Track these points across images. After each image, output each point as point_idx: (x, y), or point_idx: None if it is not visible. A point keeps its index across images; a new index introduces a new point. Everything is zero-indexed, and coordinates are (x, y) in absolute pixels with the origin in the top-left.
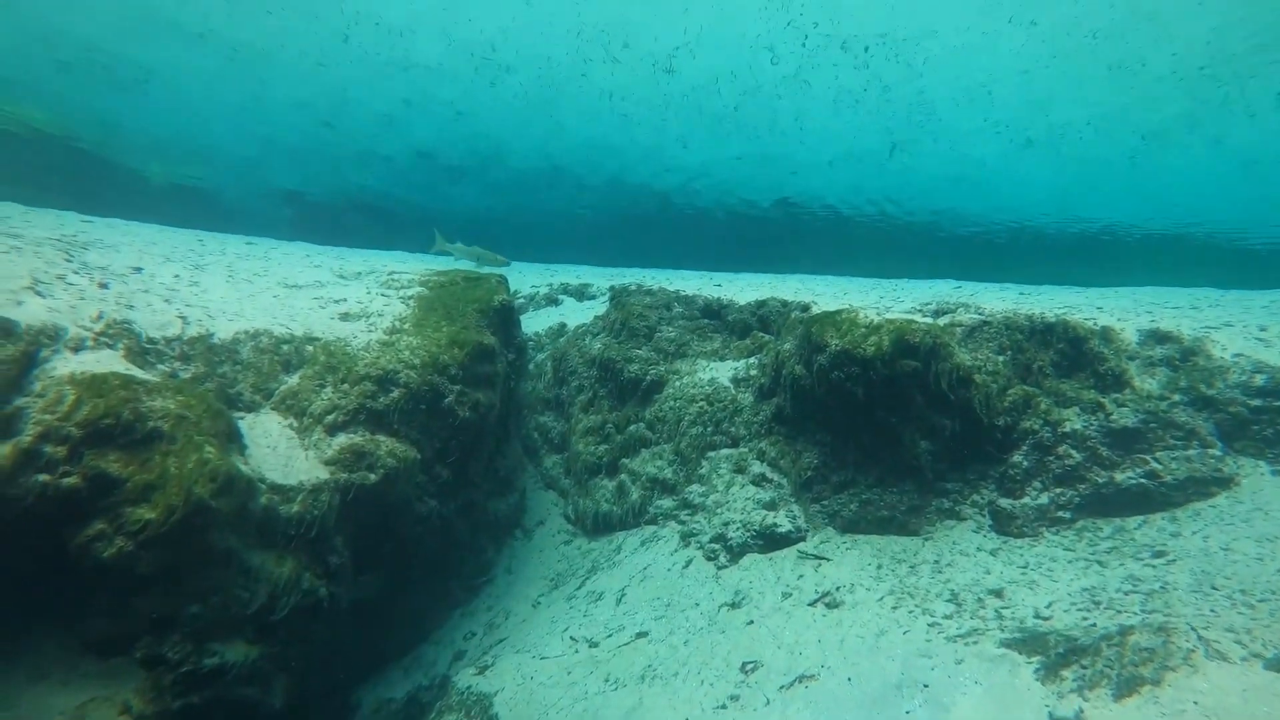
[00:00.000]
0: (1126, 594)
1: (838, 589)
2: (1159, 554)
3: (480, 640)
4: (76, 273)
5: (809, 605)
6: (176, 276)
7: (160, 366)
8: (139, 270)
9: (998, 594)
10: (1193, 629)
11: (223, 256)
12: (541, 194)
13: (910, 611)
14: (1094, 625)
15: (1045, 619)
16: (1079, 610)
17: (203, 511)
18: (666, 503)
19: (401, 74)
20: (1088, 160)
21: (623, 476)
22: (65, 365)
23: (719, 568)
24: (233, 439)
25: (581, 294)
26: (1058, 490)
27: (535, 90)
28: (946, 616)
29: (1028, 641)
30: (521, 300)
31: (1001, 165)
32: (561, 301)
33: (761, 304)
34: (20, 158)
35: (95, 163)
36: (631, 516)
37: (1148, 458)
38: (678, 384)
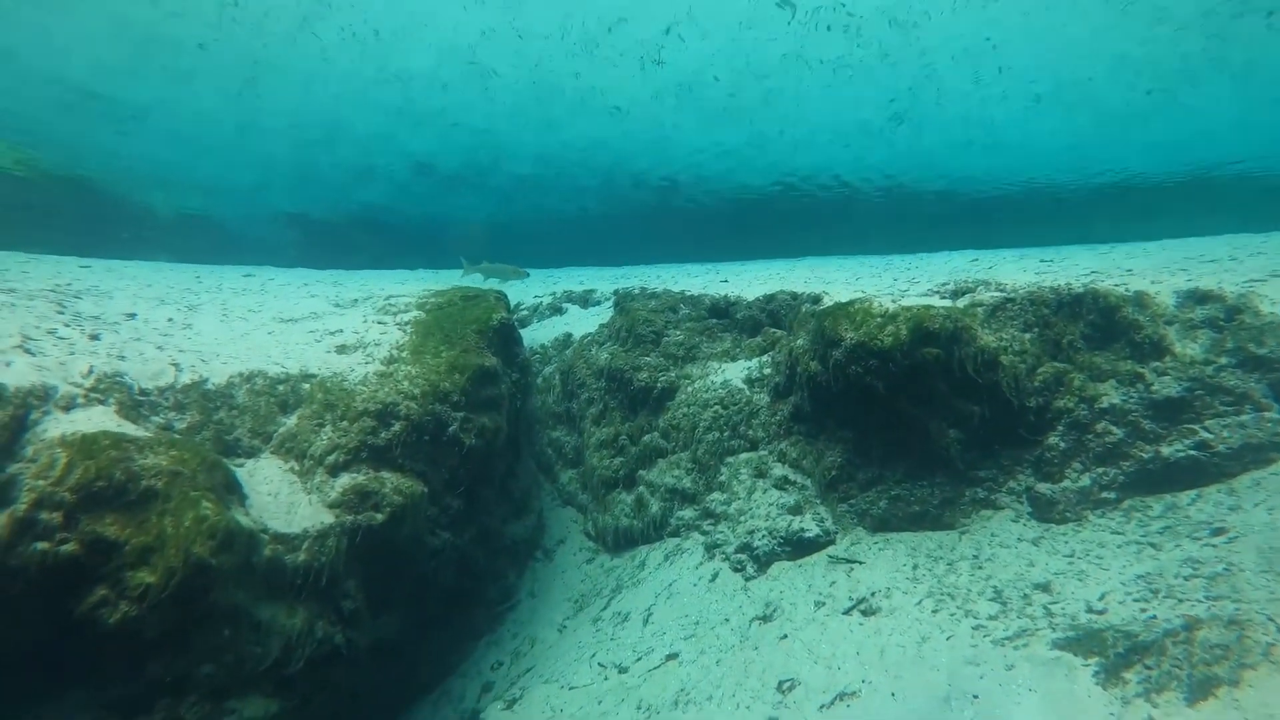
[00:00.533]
0: (1187, 579)
1: (873, 594)
2: (1218, 531)
3: (508, 670)
4: (68, 325)
5: (844, 614)
6: (170, 320)
7: (154, 419)
8: (132, 316)
9: (1044, 588)
10: (1270, 619)
11: (218, 294)
12: (541, 197)
13: (952, 614)
14: (1154, 618)
15: (1099, 613)
16: (1135, 601)
17: (203, 571)
18: (688, 513)
19: (392, 87)
20: (1104, 110)
21: (641, 489)
22: (56, 426)
23: (747, 579)
24: (231, 490)
25: (586, 300)
26: (1100, 470)
27: (526, 92)
28: (991, 617)
29: (1082, 640)
30: (525, 311)
31: (1012, 124)
32: (566, 310)
33: (770, 298)
34: (29, 200)
35: (103, 200)
36: (653, 530)
37: (1196, 427)
38: (690, 389)
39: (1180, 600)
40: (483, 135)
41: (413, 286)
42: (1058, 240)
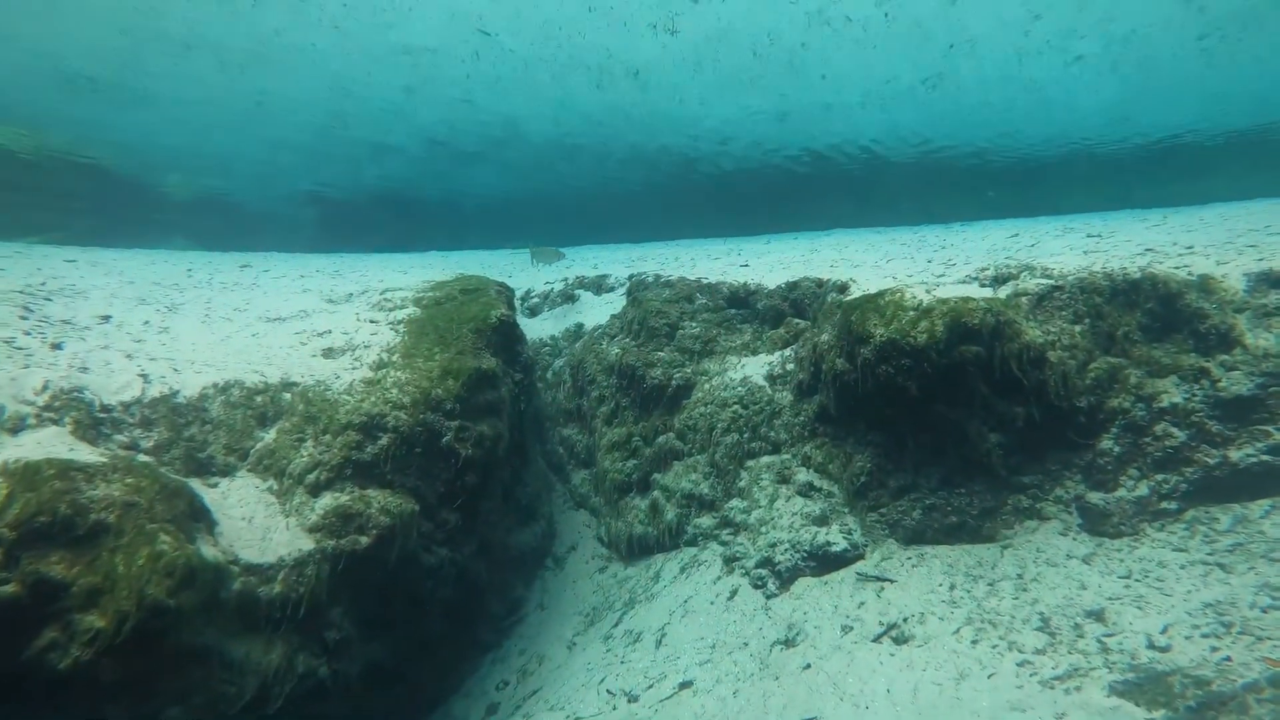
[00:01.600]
0: (1265, 611)
1: (905, 620)
2: None
3: (514, 690)
4: (29, 333)
5: (873, 641)
6: (146, 323)
7: (117, 437)
8: (107, 319)
9: (1098, 616)
10: None
11: (206, 290)
12: (560, 170)
13: (994, 646)
14: (1229, 660)
15: (1162, 650)
16: (1205, 637)
17: (161, 613)
18: (706, 521)
19: (401, 59)
20: (1151, 64)
21: (655, 494)
22: (0, 452)
23: (768, 596)
24: (197, 517)
25: (599, 287)
26: (1159, 477)
27: (539, 61)
28: (1038, 651)
29: (1144, 686)
30: (536, 299)
31: (1052, 82)
32: (579, 297)
33: (793, 286)
34: (39, 183)
35: (116, 183)
36: (669, 538)
37: (1271, 429)
38: (707, 386)
39: (1258, 639)
40: (496, 107)
41: (414, 277)
42: (1099, 205)
